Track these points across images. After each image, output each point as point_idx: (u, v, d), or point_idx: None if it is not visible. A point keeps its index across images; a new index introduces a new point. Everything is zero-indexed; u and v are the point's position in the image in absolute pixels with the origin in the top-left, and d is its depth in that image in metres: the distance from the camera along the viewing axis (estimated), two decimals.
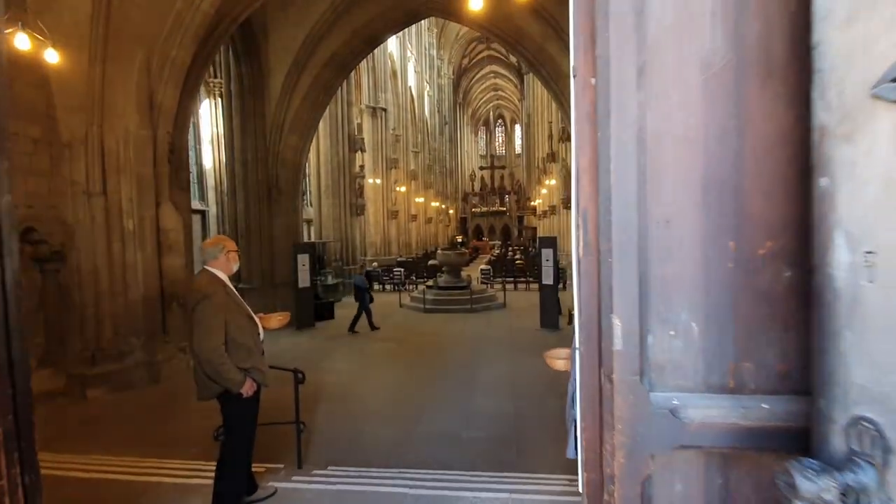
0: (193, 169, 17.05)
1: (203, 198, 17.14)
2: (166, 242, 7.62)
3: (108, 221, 6.89)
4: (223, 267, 2.82)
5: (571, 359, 2.42)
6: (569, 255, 16.02)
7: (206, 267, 2.82)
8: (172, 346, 7.53)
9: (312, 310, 11.16)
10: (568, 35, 1.11)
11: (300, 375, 4.02)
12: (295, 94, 10.99)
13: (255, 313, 3.15)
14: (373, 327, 10.52)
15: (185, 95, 8.17)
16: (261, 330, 3.00)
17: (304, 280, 10.88)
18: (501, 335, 9.82)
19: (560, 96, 10.63)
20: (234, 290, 2.90)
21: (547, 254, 10.22)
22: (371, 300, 10.83)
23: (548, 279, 10.26)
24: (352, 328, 10.32)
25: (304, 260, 10.86)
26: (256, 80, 10.76)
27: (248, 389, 2.74)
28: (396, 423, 5.35)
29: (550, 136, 22.59)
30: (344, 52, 11.15)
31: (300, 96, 11.06)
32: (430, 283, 14.64)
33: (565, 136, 15.93)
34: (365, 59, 21.84)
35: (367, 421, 5.42)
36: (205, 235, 16.88)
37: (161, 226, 7.50)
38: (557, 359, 2.69)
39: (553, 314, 10.19)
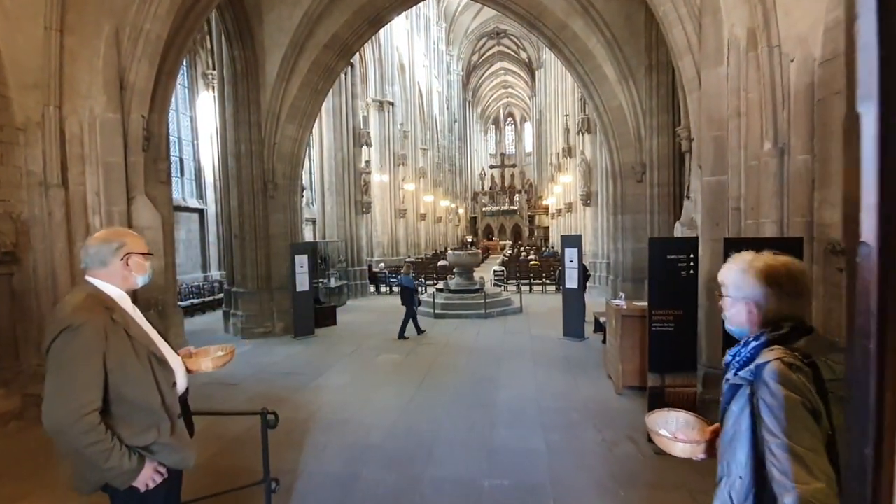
0: (191, 165, 16.25)
1: (201, 196, 16.30)
2: None
3: (69, 217, 5.97)
4: (117, 278, 1.81)
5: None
6: (590, 256, 14.85)
7: (87, 278, 1.81)
8: None
9: (312, 316, 10.20)
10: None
11: (271, 418, 3.01)
12: (292, 79, 10.04)
13: (184, 347, 2.13)
14: (402, 335, 9.49)
15: (164, 76, 7.24)
16: (180, 377, 1.97)
17: (302, 283, 9.91)
18: (521, 345, 8.77)
19: (586, 78, 9.54)
20: (135, 314, 1.90)
21: (571, 254, 9.14)
22: (419, 303, 10.05)
23: (572, 282, 9.19)
24: (418, 331, 9.68)
25: (302, 261, 9.90)
26: (250, 64, 9.82)
27: (146, 482, 1.71)
28: (401, 463, 4.33)
29: (567, 130, 21.46)
30: (345, 33, 10.17)
31: (298, 82, 10.10)
32: (441, 285, 13.62)
33: (585, 128, 14.82)
34: (371, 50, 20.94)
35: (365, 460, 4.41)
36: (203, 236, 16.06)
37: (134, 223, 6.56)
38: (673, 440, 1.62)
39: (578, 322, 9.12)
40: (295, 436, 4.95)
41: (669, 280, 4.48)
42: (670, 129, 8.76)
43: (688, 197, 5.73)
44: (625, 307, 6.00)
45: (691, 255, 4.46)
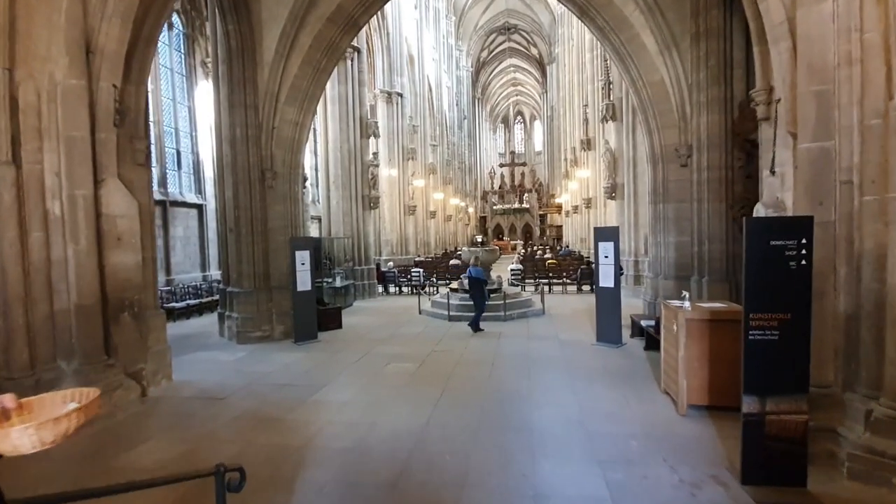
0: (189, 158, 15.37)
1: (200, 191, 15.40)
2: (112, 232, 5.73)
3: (22, 201, 5.03)
4: None
5: None
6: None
7: None
8: (118, 370, 5.63)
9: (314, 318, 9.21)
10: None
11: (233, 478, 1.98)
12: (292, 56, 9.07)
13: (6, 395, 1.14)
14: (476, 328, 9.36)
15: (142, 42, 6.30)
16: None
17: (303, 282, 8.92)
18: (550, 353, 7.69)
19: (621, 49, 8.45)
20: None
21: (606, 248, 8.05)
22: (487, 296, 9.87)
23: (607, 281, 8.10)
24: (476, 328, 9.41)
25: (303, 257, 8.90)
26: (245, 40, 8.86)
27: None
28: None
29: (585, 121, 20.33)
30: (351, 4, 9.17)
31: (298, 59, 9.13)
32: (455, 285, 12.56)
33: (610, 115, 13.71)
34: (379, 39, 19.99)
35: None
36: (202, 233, 15.16)
37: (104, 211, 5.62)
38: None
39: (614, 325, 8.01)
40: (286, 470, 3.94)
41: (773, 274, 3.41)
42: (722, 104, 7.65)
43: (772, 172, 4.64)
44: (689, 309, 4.91)
45: (803, 240, 3.38)
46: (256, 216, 9.14)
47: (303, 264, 8.91)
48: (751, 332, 3.48)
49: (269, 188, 9.25)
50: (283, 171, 9.35)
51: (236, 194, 9.10)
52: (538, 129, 64.76)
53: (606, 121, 14.23)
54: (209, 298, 13.10)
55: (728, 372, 4.78)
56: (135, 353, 5.95)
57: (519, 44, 51.41)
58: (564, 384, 6.04)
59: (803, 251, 3.39)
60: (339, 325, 10.17)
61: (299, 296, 8.87)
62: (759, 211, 4.65)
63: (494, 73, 58.89)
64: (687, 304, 4.98)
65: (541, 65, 49.96)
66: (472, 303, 11.04)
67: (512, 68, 58.26)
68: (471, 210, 49.13)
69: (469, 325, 9.50)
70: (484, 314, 10.70)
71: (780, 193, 4.52)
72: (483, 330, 9.38)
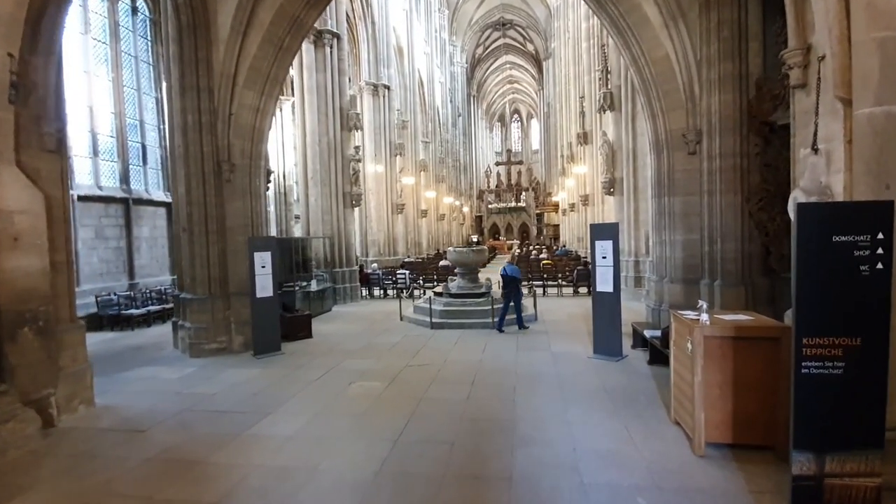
0: (156, 153, 14.38)
1: (169, 188, 14.36)
2: (7, 231, 4.73)
3: None
4: None
5: None
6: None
7: None
8: (12, 398, 4.63)
9: (277, 328, 8.21)
10: None
11: None
12: (250, 33, 8.09)
13: None
14: (521, 325, 9.43)
15: (52, 5, 5.30)
16: None
17: (264, 287, 7.94)
18: (541, 368, 6.71)
19: (620, 22, 7.45)
20: None
21: (604, 247, 7.09)
22: (522, 295, 9.95)
23: (605, 284, 7.13)
24: (520, 325, 9.42)
25: (263, 260, 7.92)
26: (198, 15, 7.86)
27: None
28: None
29: (582, 114, 19.36)
30: None
31: (258, 37, 8.15)
32: (439, 288, 11.60)
33: (608, 104, 12.74)
34: (363, 28, 18.98)
35: None
36: (171, 234, 14.14)
37: None
38: None
39: (613, 335, 7.04)
40: None
41: (837, 282, 2.44)
42: (736, 81, 6.70)
43: (814, 150, 3.67)
44: (708, 323, 3.93)
45: (880, 235, 2.41)
46: (212, 213, 8.14)
47: (263, 267, 7.93)
48: (804, 364, 2.50)
49: (227, 182, 8.25)
50: (242, 162, 8.35)
51: (189, 189, 8.10)
52: (535, 128, 63.88)
53: (604, 111, 13.27)
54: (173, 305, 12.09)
55: (757, 402, 3.82)
56: (39, 377, 4.96)
57: (514, 40, 50.47)
58: (556, 411, 5.06)
59: (879, 250, 2.42)
60: (310, 334, 9.18)
61: (259, 303, 7.88)
62: (799, 199, 3.67)
63: (490, 70, 57.92)
64: (705, 316, 4.00)
65: (537, 61, 49.02)
66: (460, 308, 10.15)
67: (508, 65, 57.30)
68: (466, 209, 48.17)
69: (517, 325, 9.42)
70: (470, 321, 9.79)
71: (826, 177, 3.55)
72: (528, 327, 9.41)
